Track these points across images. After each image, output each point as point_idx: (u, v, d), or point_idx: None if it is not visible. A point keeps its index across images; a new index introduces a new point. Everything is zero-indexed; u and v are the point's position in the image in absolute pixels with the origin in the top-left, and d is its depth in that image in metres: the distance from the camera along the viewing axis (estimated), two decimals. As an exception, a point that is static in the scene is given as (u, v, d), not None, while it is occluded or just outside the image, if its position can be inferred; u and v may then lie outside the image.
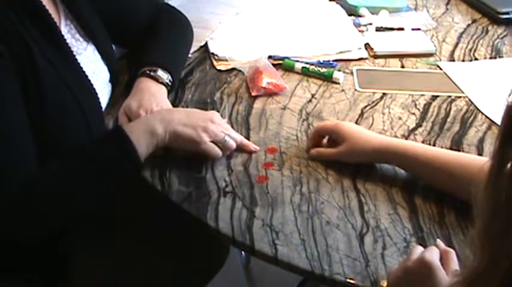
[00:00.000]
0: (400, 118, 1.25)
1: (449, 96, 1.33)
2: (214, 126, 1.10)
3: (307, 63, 1.40)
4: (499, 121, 1.28)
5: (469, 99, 1.32)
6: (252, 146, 1.14)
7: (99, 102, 1.14)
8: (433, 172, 1.02)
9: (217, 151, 1.10)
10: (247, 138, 1.17)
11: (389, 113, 1.27)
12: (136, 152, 1.04)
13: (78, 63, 1.10)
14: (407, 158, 1.03)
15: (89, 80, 1.11)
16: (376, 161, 1.09)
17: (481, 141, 1.18)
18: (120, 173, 1.05)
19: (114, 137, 1.07)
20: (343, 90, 1.35)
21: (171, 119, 1.09)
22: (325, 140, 1.13)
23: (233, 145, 1.12)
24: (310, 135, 1.15)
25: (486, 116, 1.26)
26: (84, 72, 1.11)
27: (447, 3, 1.78)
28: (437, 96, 1.33)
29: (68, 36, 1.12)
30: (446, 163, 1.00)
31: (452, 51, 1.52)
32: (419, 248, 0.85)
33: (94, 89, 1.12)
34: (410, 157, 1.03)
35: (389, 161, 1.07)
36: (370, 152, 1.06)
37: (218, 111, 1.25)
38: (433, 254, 0.81)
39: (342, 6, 1.68)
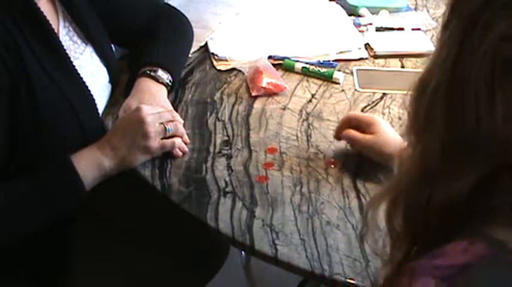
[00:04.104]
0: (400, 118, 1.25)
1: (449, 96, 1.33)
2: (151, 127, 1.08)
3: (307, 63, 1.40)
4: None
5: (469, 99, 1.32)
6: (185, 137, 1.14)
7: (96, 107, 1.14)
8: None
9: (171, 142, 1.10)
10: (247, 138, 1.17)
11: (390, 113, 1.27)
12: (82, 187, 1.03)
13: (75, 69, 1.10)
14: None
15: (86, 86, 1.12)
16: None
17: (481, 141, 1.18)
18: (63, 205, 1.05)
19: (61, 171, 1.05)
20: (343, 90, 1.35)
21: (113, 147, 1.07)
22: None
23: (178, 126, 1.12)
24: (341, 122, 1.13)
25: (486, 116, 1.26)
26: (81, 78, 1.11)
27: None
28: (437, 96, 1.33)
29: (65, 39, 1.12)
30: None
31: (452, 51, 1.51)
32: None
33: (90, 93, 1.13)
34: None
35: None
36: (391, 152, 1.03)
37: (218, 111, 1.25)
38: None
39: (342, 6, 1.68)
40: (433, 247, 0.55)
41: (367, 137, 1.07)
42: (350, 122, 1.11)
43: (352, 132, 1.09)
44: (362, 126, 1.09)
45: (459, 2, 0.56)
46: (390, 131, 1.08)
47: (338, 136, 1.13)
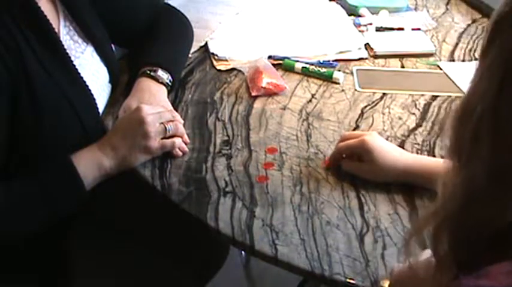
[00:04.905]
0: (400, 118, 1.25)
1: (449, 96, 1.33)
2: (151, 127, 1.07)
3: (307, 63, 1.40)
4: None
5: (469, 99, 1.32)
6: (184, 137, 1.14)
7: (96, 106, 1.14)
8: None
9: (172, 142, 1.10)
10: (247, 138, 1.17)
11: (389, 113, 1.27)
12: (82, 187, 1.03)
13: (75, 68, 1.10)
14: (433, 177, 1.01)
15: (87, 85, 1.12)
16: (400, 182, 1.05)
17: (481, 141, 1.18)
18: (63, 205, 1.05)
19: (61, 171, 1.04)
20: (343, 90, 1.35)
21: (113, 146, 1.07)
22: (344, 155, 1.09)
23: (178, 126, 1.12)
24: (333, 154, 1.10)
25: (486, 116, 1.26)
26: (81, 77, 1.11)
27: (447, 3, 1.78)
28: (437, 96, 1.33)
29: (66, 38, 1.12)
30: None
31: (452, 51, 1.52)
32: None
33: (91, 93, 1.13)
34: (436, 175, 1.01)
35: (414, 181, 1.04)
36: (395, 176, 1.04)
37: (218, 111, 1.25)
38: None
39: (342, 6, 1.68)
40: (477, 269, 0.55)
41: (363, 166, 1.06)
42: (343, 151, 1.09)
43: (346, 164, 1.08)
44: (356, 153, 1.07)
45: (499, 33, 0.55)
46: (385, 156, 1.04)
47: (331, 166, 1.10)
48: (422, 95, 1.33)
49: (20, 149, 1.03)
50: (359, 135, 1.08)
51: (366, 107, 1.29)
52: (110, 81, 1.24)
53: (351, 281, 0.89)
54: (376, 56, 1.47)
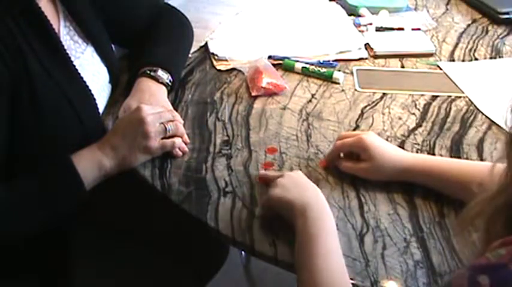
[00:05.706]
0: (400, 118, 1.25)
1: (449, 96, 1.33)
2: (151, 127, 1.07)
3: (307, 63, 1.40)
4: (499, 121, 1.28)
5: (469, 99, 1.32)
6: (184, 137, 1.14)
7: (96, 106, 1.14)
8: (462, 187, 0.96)
9: (172, 142, 1.10)
10: (247, 138, 1.17)
11: (389, 113, 1.27)
12: (82, 187, 1.03)
13: (75, 68, 1.10)
14: (433, 175, 1.01)
15: (87, 86, 1.12)
16: (399, 180, 1.05)
17: (481, 141, 1.18)
18: (64, 205, 1.04)
19: (61, 171, 1.04)
20: (343, 90, 1.35)
21: (113, 146, 1.06)
22: (341, 155, 1.09)
23: (178, 126, 1.12)
24: (330, 153, 1.10)
25: (486, 116, 1.26)
26: (81, 77, 1.11)
27: (447, 3, 1.78)
28: (437, 96, 1.33)
29: (66, 38, 1.12)
30: (475, 175, 0.94)
31: (452, 51, 1.52)
32: None
33: (91, 93, 1.13)
34: (436, 173, 1.01)
35: (414, 180, 1.03)
36: (395, 175, 1.04)
37: (218, 111, 1.25)
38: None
39: (342, 6, 1.68)
40: None
41: (362, 165, 1.05)
42: (340, 150, 1.08)
43: (344, 165, 1.07)
44: (355, 151, 1.06)
45: None
46: (384, 154, 1.03)
47: (329, 165, 1.10)
48: (422, 95, 1.33)
49: (20, 149, 1.03)
50: (356, 134, 1.07)
51: (366, 107, 1.29)
52: (110, 82, 1.24)
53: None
54: (376, 56, 1.47)
